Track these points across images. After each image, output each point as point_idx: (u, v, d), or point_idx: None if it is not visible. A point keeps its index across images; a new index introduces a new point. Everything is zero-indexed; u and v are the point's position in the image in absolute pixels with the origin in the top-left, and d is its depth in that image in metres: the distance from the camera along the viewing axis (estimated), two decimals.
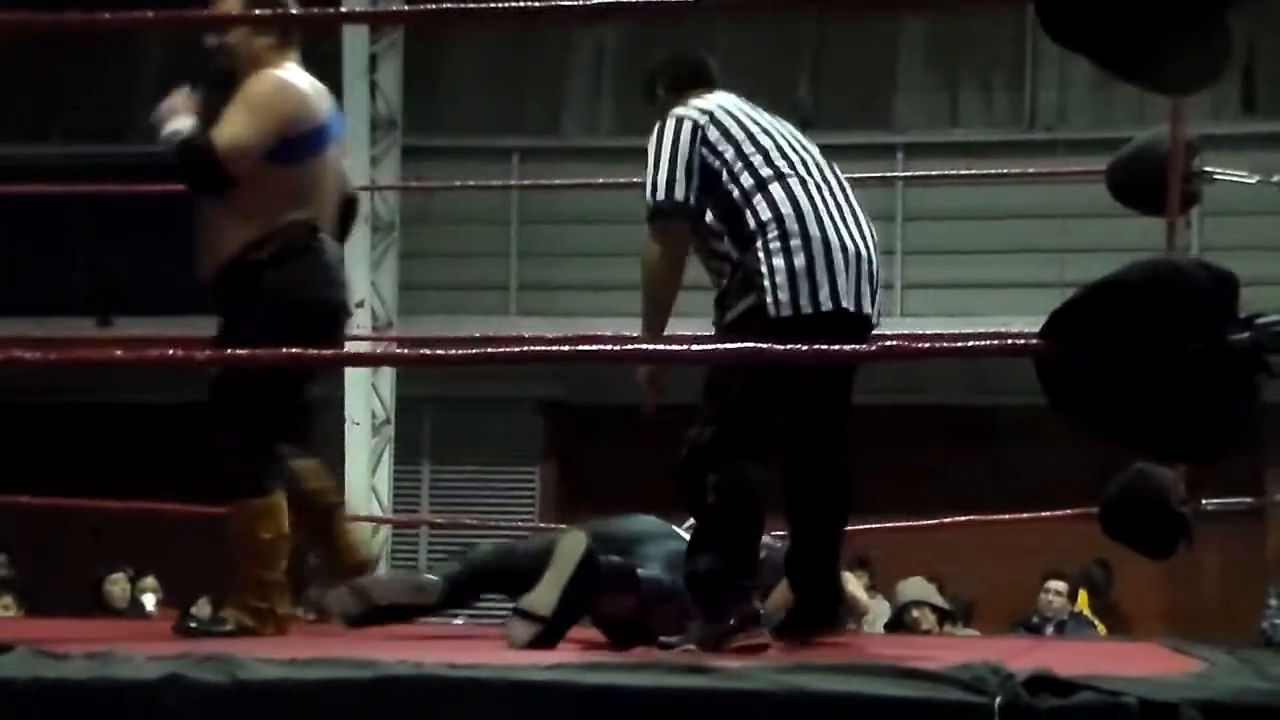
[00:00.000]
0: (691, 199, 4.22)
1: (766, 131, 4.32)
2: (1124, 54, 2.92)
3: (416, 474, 13.25)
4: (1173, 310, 2.73)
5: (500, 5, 3.68)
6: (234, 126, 4.57)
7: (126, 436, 12.42)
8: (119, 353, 3.67)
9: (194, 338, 4.91)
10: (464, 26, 12.42)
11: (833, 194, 4.28)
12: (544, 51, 13.30)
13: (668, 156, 4.23)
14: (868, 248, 4.27)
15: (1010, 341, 2.94)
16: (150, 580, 11.40)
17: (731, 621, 3.97)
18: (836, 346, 3.63)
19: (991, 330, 3.61)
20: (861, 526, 4.58)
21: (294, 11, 4.56)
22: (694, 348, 3.96)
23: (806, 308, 4.11)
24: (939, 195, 12.28)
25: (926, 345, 3.53)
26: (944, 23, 12.57)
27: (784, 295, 4.12)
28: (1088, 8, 2.85)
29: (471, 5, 5.38)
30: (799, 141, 4.38)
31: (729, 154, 4.23)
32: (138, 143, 13.40)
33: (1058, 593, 10.14)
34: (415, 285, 12.91)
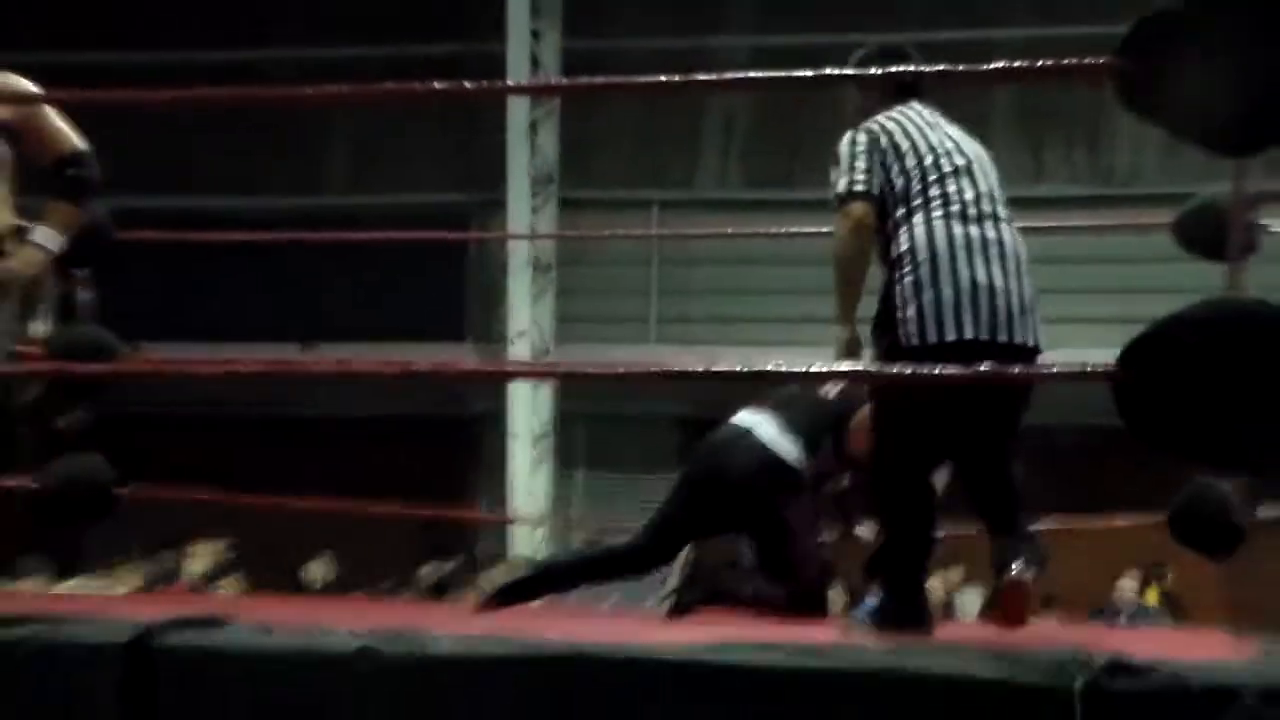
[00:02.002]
0: (875, 188, 3.92)
1: (936, 153, 3.99)
2: (1191, 121, 2.90)
3: (571, 480, 13.31)
4: (1234, 342, 2.70)
5: (642, 79, 3.70)
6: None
7: (324, 444, 12.60)
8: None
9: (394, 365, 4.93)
10: (612, 95, 12.51)
11: (980, 224, 3.94)
12: (681, 116, 13.33)
13: (848, 158, 3.96)
14: (1007, 280, 3.91)
15: (1090, 369, 2.91)
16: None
17: (899, 616, 3.89)
18: (938, 371, 3.55)
19: (1074, 361, 3.57)
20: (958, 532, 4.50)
21: (467, 85, 4.31)
22: (812, 369, 3.92)
23: (932, 337, 3.81)
24: (1027, 243, 12.12)
25: (1018, 371, 3.50)
26: (1031, 94, 12.45)
27: (913, 328, 3.82)
28: (1158, 84, 2.83)
29: (618, 79, 5.43)
30: (969, 167, 4.02)
31: (893, 174, 3.95)
32: (333, 194, 13.68)
33: (1129, 588, 10.02)
34: (570, 318, 12.99)
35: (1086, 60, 2.98)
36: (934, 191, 3.92)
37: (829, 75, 3.24)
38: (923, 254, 3.86)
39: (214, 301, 12.72)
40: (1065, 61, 3.07)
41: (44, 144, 4.29)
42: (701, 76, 3.77)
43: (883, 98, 4.10)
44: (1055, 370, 3.46)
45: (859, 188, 3.91)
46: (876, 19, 11.37)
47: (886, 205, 3.92)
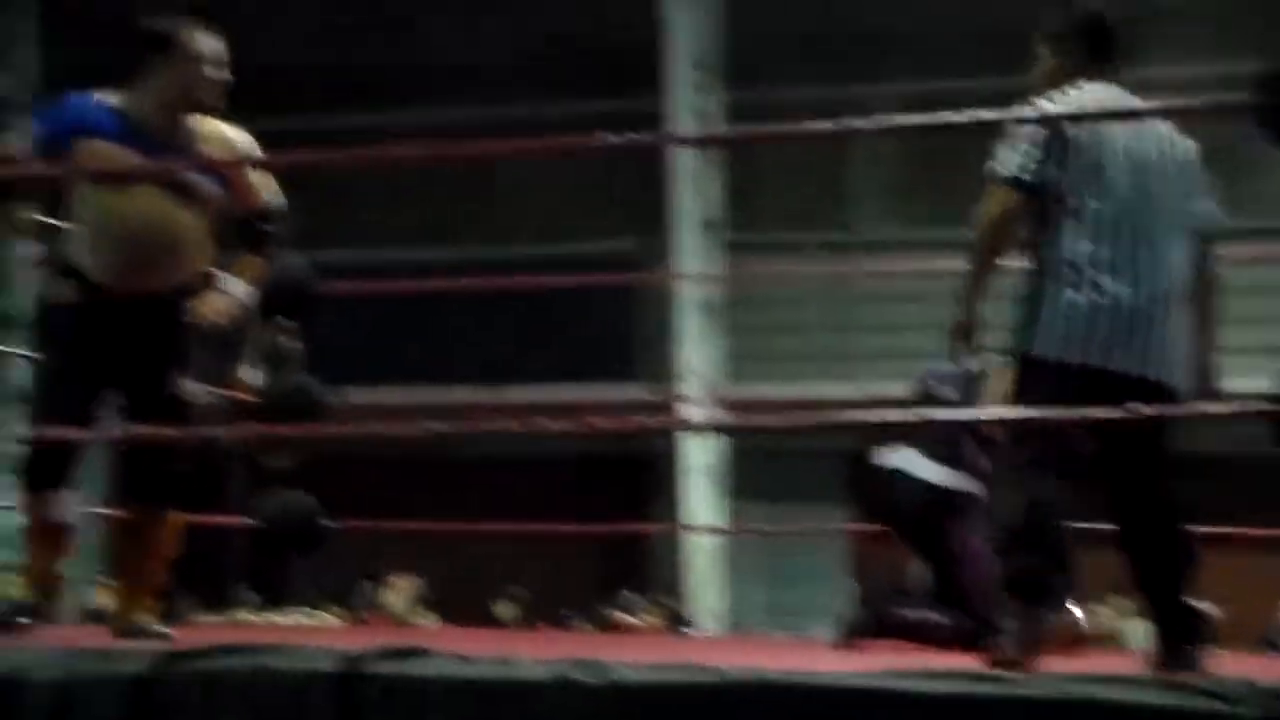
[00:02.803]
0: (1036, 177, 3.51)
1: (1112, 150, 3.54)
2: None
3: (741, 512, 13.21)
4: None
5: (798, 127, 3.66)
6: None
7: (506, 484, 12.65)
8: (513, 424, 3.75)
9: (570, 403, 4.97)
10: (771, 144, 12.52)
11: (1134, 244, 3.51)
12: (835, 161, 13.31)
13: (1019, 137, 3.55)
14: (1150, 307, 3.50)
15: (1246, 407, 2.83)
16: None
17: (1023, 630, 3.54)
18: (1084, 414, 3.33)
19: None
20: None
21: (613, 139, 3.70)
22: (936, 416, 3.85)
23: (1075, 358, 3.46)
24: None
25: (1168, 409, 3.35)
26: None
27: (1051, 341, 3.49)
28: None
29: (776, 128, 5.42)
30: (1145, 174, 3.57)
31: (1059, 166, 3.52)
32: (519, 244, 13.82)
33: None
34: (740, 355, 12.97)
35: (1233, 98, 2.91)
36: (1092, 203, 3.50)
37: (978, 119, 3.20)
38: (1081, 263, 3.48)
39: (408, 345, 12.92)
40: (1212, 99, 3.00)
41: (245, 193, 4.21)
42: (857, 123, 3.69)
43: (1081, 65, 3.69)
44: (1210, 409, 3.33)
45: (1024, 176, 3.52)
46: (1013, 64, 11.22)
47: (1045, 197, 3.53)
